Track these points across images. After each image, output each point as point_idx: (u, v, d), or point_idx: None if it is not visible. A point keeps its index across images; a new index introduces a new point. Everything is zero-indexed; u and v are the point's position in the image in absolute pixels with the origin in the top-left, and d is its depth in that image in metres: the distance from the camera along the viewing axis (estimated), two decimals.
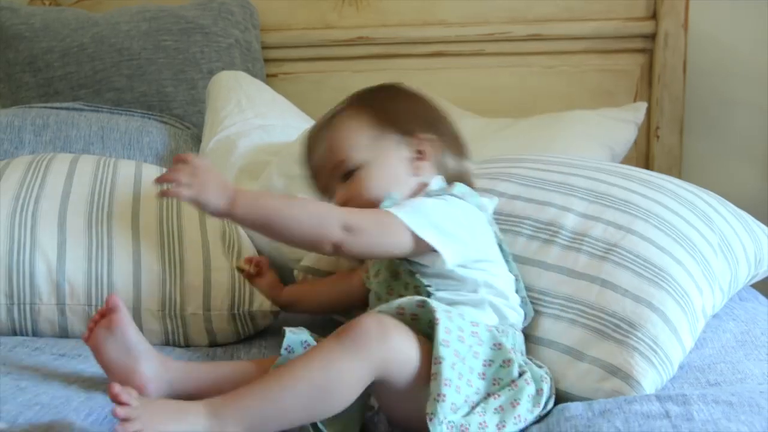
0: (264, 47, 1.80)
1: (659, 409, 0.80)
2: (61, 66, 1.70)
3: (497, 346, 0.84)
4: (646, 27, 1.72)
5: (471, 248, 0.91)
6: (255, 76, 1.71)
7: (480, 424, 0.78)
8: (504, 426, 0.80)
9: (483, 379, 0.82)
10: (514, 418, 0.81)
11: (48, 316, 1.08)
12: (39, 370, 0.94)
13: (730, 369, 0.95)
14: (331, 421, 0.79)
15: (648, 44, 1.74)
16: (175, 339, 1.09)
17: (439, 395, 0.75)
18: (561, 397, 0.91)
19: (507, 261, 0.97)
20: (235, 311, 1.08)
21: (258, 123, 1.49)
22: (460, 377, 0.78)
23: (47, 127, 1.49)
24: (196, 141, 1.60)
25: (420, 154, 0.98)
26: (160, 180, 0.84)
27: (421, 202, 0.91)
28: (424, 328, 0.81)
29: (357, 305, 1.04)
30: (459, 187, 0.96)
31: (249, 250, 1.19)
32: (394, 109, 1.00)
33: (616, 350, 0.90)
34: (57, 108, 1.57)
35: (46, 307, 1.08)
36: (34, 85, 1.71)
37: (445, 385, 0.76)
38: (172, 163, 0.85)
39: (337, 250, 0.86)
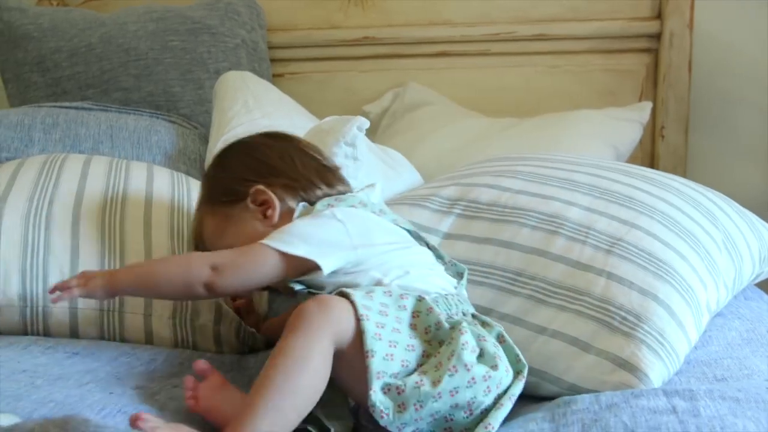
0: (270, 47, 1.81)
1: (666, 405, 0.81)
2: (69, 66, 1.71)
3: (419, 300, 0.85)
4: (652, 27, 1.73)
5: (348, 250, 0.90)
6: (261, 76, 1.72)
7: (416, 383, 0.79)
8: (440, 381, 0.79)
9: (414, 336, 0.83)
10: (450, 370, 0.80)
11: (60, 318, 1.09)
12: (53, 369, 0.95)
13: (736, 364, 0.95)
14: (330, 420, 0.82)
15: (653, 44, 1.74)
16: (184, 348, 1.10)
17: (372, 368, 0.79)
18: (568, 390, 0.91)
19: (417, 238, 0.99)
20: (242, 326, 1.10)
21: (265, 123, 1.50)
22: (392, 345, 0.81)
23: (57, 126, 1.50)
24: (204, 141, 1.61)
25: (264, 206, 0.98)
26: (54, 290, 0.91)
27: (286, 225, 0.93)
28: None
29: None
30: (321, 203, 0.96)
31: None
32: (224, 185, 1.01)
33: (623, 343, 0.91)
34: (66, 107, 1.58)
35: (58, 309, 1.09)
36: (42, 84, 1.72)
37: (371, 356, 0.79)
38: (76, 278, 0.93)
39: (211, 290, 0.90)
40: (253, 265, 0.90)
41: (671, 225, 1.03)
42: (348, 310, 0.81)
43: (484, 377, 0.81)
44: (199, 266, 0.89)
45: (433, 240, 1.08)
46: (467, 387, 0.80)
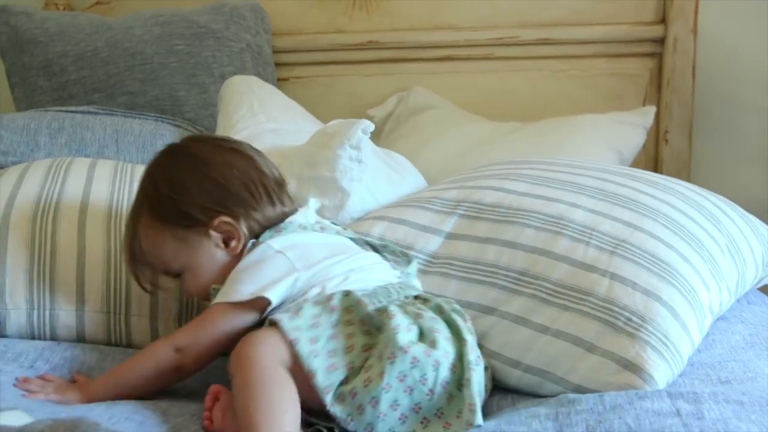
0: (275, 51, 1.82)
1: (670, 407, 0.81)
2: (75, 70, 1.72)
3: (345, 296, 0.87)
4: (656, 31, 1.73)
5: (291, 275, 0.91)
6: (266, 80, 1.73)
7: (365, 381, 0.81)
8: (383, 372, 0.80)
9: (352, 335, 0.85)
10: (389, 357, 0.81)
11: (66, 321, 1.09)
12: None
13: (740, 367, 0.95)
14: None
15: (657, 48, 1.74)
16: None
17: (318, 385, 0.81)
18: (572, 390, 0.91)
19: (362, 244, 1.02)
20: None
21: (270, 127, 1.50)
22: (331, 355, 0.83)
23: (62, 130, 1.50)
24: None
25: (227, 234, 0.98)
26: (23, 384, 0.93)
27: (231, 276, 0.94)
28: None
29: None
30: (263, 237, 0.97)
31: None
32: (180, 209, 0.97)
33: (628, 343, 0.91)
34: (72, 111, 1.59)
35: (64, 312, 1.09)
36: (48, 89, 1.73)
37: (314, 376, 0.81)
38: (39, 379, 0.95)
39: (182, 371, 0.92)
40: (214, 333, 0.91)
41: (675, 228, 1.03)
42: (277, 338, 0.83)
43: (426, 353, 0.82)
44: (164, 353, 0.91)
45: (436, 240, 1.09)
46: (412, 368, 0.81)
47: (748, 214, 1.20)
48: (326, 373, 0.82)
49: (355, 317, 0.87)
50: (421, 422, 0.82)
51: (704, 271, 1.00)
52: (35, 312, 1.09)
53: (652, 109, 1.66)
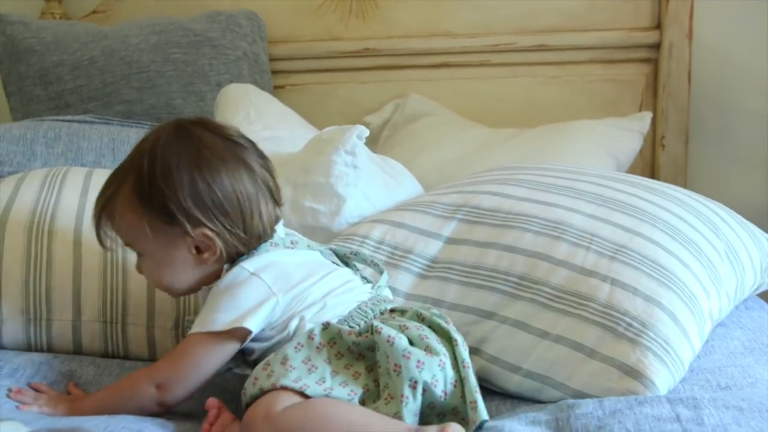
0: (271, 59, 1.82)
1: (670, 413, 0.81)
2: (72, 79, 1.72)
3: (324, 329, 0.86)
4: (651, 37, 1.73)
5: (270, 300, 0.88)
6: (263, 87, 1.73)
7: (385, 398, 0.82)
8: (396, 386, 0.81)
9: (348, 366, 0.85)
10: (395, 369, 0.81)
11: (63, 331, 1.09)
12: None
13: (740, 372, 0.95)
14: None
15: (653, 54, 1.75)
16: None
17: None
18: (572, 396, 0.91)
19: (329, 256, 0.99)
20: None
21: (266, 135, 1.50)
22: (345, 385, 0.83)
23: (59, 140, 1.50)
24: None
25: (202, 245, 0.91)
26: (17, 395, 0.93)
27: (208, 305, 0.90)
28: None
29: None
30: (240, 259, 0.92)
31: None
32: (166, 205, 0.89)
33: (629, 349, 0.91)
34: (68, 120, 1.59)
35: (61, 323, 1.09)
36: (45, 98, 1.73)
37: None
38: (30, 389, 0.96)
39: (165, 406, 0.90)
40: (195, 365, 0.88)
41: (674, 234, 1.03)
42: (289, 397, 0.81)
43: (428, 355, 0.83)
44: (144, 390, 0.89)
45: (435, 245, 1.09)
46: (420, 371, 0.82)
47: (746, 221, 1.20)
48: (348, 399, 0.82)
49: (342, 348, 0.86)
50: (437, 416, 0.83)
51: (704, 278, 1.00)
52: (31, 322, 1.09)
53: (648, 115, 1.66)
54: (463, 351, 0.86)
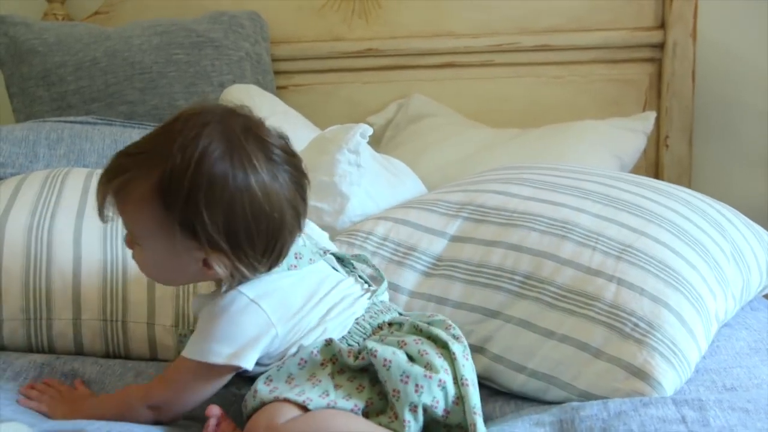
0: (274, 60, 1.82)
1: (675, 414, 0.80)
2: (74, 80, 1.72)
3: (327, 345, 0.85)
4: (655, 36, 1.73)
5: (269, 331, 0.85)
6: (265, 88, 1.73)
7: (390, 416, 0.81)
8: (397, 411, 0.80)
9: (351, 379, 0.84)
10: (394, 395, 0.80)
11: (63, 331, 1.09)
12: None
13: (746, 373, 0.94)
14: None
15: (656, 53, 1.74)
16: None
17: None
18: (578, 396, 0.91)
19: (322, 254, 0.94)
20: None
21: None
22: (348, 398, 0.82)
23: (61, 141, 1.50)
24: None
25: (206, 264, 0.84)
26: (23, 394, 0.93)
27: (205, 330, 0.85)
28: None
29: None
30: (245, 284, 0.86)
31: None
32: (189, 218, 0.80)
33: (636, 350, 0.90)
34: (71, 122, 1.59)
35: (62, 322, 1.09)
36: (47, 99, 1.73)
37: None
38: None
39: (163, 422, 0.88)
40: (190, 392, 0.86)
41: (680, 234, 1.03)
42: (291, 410, 0.80)
43: (427, 376, 0.81)
44: (140, 411, 0.87)
45: (440, 242, 1.08)
46: (419, 395, 0.80)
47: (751, 222, 1.20)
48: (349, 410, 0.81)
49: (343, 364, 0.85)
50: (444, 427, 0.83)
51: (710, 278, 1.00)
52: (31, 322, 1.09)
53: (652, 115, 1.66)
54: (462, 367, 0.83)
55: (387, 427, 0.80)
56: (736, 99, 1.78)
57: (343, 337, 0.88)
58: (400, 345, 0.84)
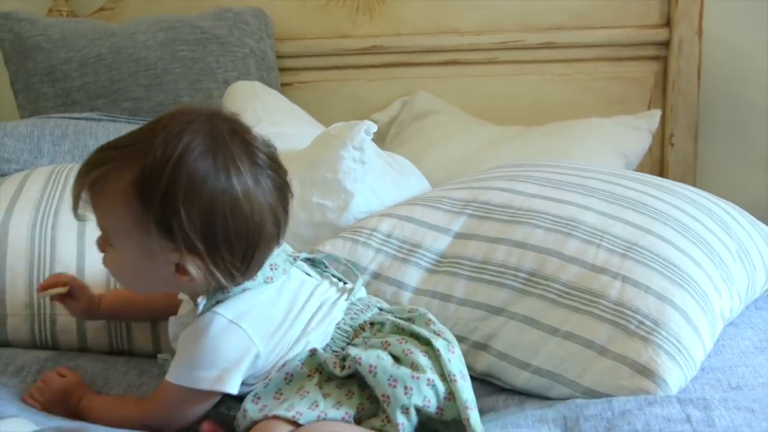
0: (279, 56, 1.82)
1: (680, 414, 0.80)
2: (79, 76, 1.72)
3: (311, 356, 0.84)
4: (660, 34, 1.72)
5: (250, 352, 0.83)
6: (270, 85, 1.73)
7: (382, 420, 0.80)
8: (389, 415, 0.79)
9: (340, 386, 0.83)
10: (384, 400, 0.79)
11: (67, 326, 1.09)
12: None
13: (751, 372, 0.94)
14: None
15: (662, 51, 1.74)
16: None
17: None
18: (583, 394, 0.90)
19: (293, 262, 0.91)
20: None
21: (273, 131, 1.49)
22: (338, 407, 0.81)
23: (66, 137, 1.50)
24: None
25: (180, 270, 0.81)
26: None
27: (186, 353, 0.83)
28: None
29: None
30: (222, 306, 0.84)
31: None
32: (166, 218, 0.77)
33: (641, 347, 0.89)
34: (75, 118, 1.59)
35: (65, 318, 1.09)
36: (52, 95, 1.73)
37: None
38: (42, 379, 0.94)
39: None
40: (178, 415, 0.85)
41: (685, 232, 1.03)
42: (282, 426, 0.79)
43: (414, 377, 0.80)
44: (135, 426, 0.85)
45: (444, 239, 1.08)
46: (409, 397, 0.79)
47: (757, 220, 1.19)
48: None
49: (328, 372, 0.84)
50: (441, 422, 0.82)
51: (716, 277, 1.00)
52: (35, 317, 1.09)
53: (657, 113, 1.65)
54: (448, 362, 0.82)
55: (380, 430, 0.79)
56: (742, 97, 1.77)
57: (326, 345, 0.87)
58: (384, 346, 0.83)
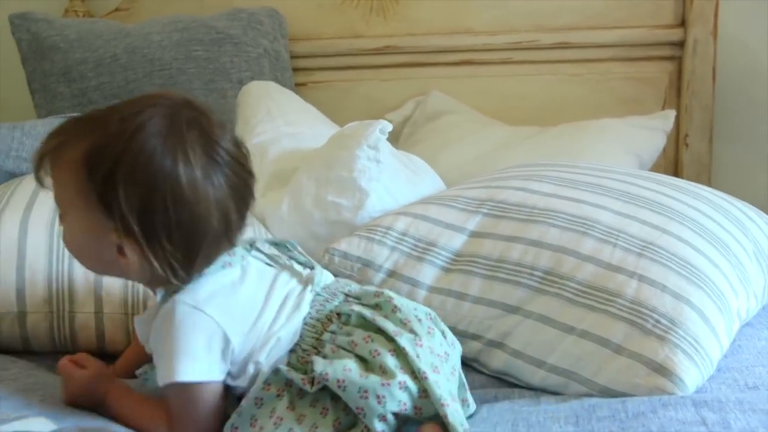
0: (293, 56, 1.82)
1: (695, 416, 0.79)
2: (95, 76, 1.73)
3: (275, 374, 0.81)
4: (675, 34, 1.71)
5: (220, 337, 0.80)
6: (284, 85, 1.73)
7: (362, 430, 0.78)
8: (367, 425, 0.77)
9: (313, 404, 0.80)
10: (359, 411, 0.77)
11: (86, 324, 1.10)
12: None
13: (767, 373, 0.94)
14: None
15: (676, 52, 1.73)
16: None
17: None
18: (599, 392, 0.90)
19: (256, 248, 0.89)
20: None
21: (288, 131, 1.51)
22: (324, 412, 0.79)
23: None
24: None
25: (120, 251, 0.79)
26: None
27: (168, 348, 0.80)
28: None
29: None
30: (181, 292, 0.81)
31: None
32: (107, 194, 0.77)
33: (657, 346, 0.89)
34: None
35: (84, 315, 1.10)
36: (68, 95, 1.75)
37: None
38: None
39: None
40: (195, 416, 0.81)
41: (702, 232, 1.02)
42: None
43: (384, 384, 0.77)
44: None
45: (460, 238, 1.08)
46: (383, 405, 0.76)
47: None
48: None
49: (297, 389, 0.80)
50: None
51: (732, 277, 0.99)
52: (54, 315, 1.10)
53: (671, 113, 1.64)
54: (417, 359, 0.79)
55: None
56: (757, 97, 1.76)
57: (297, 344, 0.83)
58: (352, 347, 0.81)
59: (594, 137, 1.55)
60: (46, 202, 1.18)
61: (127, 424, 0.84)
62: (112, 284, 1.10)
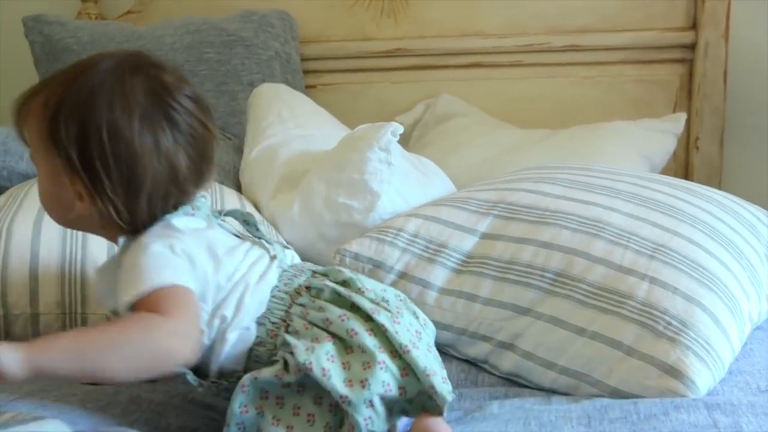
0: (303, 59, 1.83)
1: (707, 419, 0.79)
2: None
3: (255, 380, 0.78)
4: (686, 37, 1.71)
5: (184, 259, 0.78)
6: (295, 87, 1.73)
7: (348, 428, 0.76)
8: (352, 416, 0.75)
9: (297, 406, 0.78)
10: (343, 401, 0.75)
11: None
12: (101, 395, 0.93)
13: None
14: None
15: (688, 54, 1.72)
16: None
17: None
18: (610, 394, 0.90)
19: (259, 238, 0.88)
20: None
21: (299, 133, 1.51)
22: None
23: None
24: (237, 152, 1.63)
25: (78, 196, 0.80)
26: None
27: (133, 267, 0.77)
28: None
29: None
30: (147, 236, 0.80)
31: None
32: (54, 133, 0.79)
33: (669, 348, 0.89)
34: None
35: (96, 317, 1.11)
36: None
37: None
38: None
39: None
40: (192, 321, 0.77)
41: (714, 235, 1.02)
42: None
43: (366, 366, 0.76)
44: (161, 340, 0.74)
45: (471, 240, 1.08)
46: (368, 388, 0.75)
47: None
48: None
49: (277, 391, 0.78)
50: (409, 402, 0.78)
51: (744, 280, 0.99)
52: (67, 316, 1.11)
53: (682, 116, 1.64)
54: (396, 335, 0.77)
55: (347, 429, 0.75)
56: None
57: (265, 316, 0.81)
58: (326, 324, 0.78)
59: (604, 140, 1.55)
60: None
61: (101, 349, 0.72)
62: None
